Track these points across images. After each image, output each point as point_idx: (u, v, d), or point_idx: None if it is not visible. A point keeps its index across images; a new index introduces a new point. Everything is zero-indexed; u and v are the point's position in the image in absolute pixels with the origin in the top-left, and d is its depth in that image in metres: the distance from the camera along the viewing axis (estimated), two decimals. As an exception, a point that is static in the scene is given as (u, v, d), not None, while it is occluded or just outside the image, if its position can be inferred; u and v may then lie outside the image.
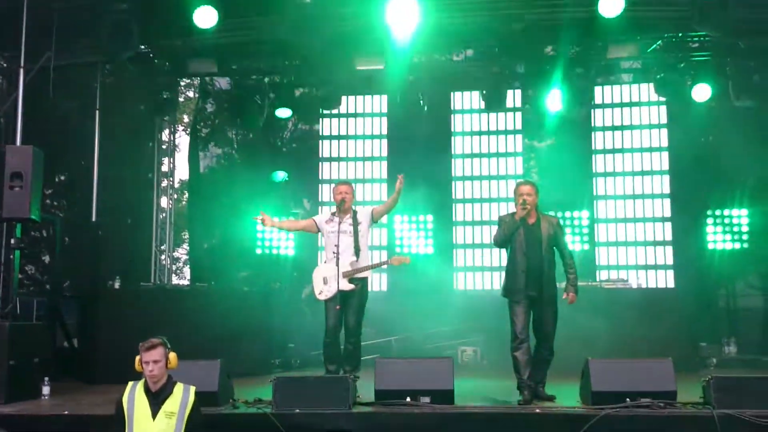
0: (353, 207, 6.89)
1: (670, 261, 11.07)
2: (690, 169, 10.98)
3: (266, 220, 6.97)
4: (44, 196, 12.83)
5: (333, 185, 7.05)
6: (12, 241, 7.38)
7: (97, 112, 10.30)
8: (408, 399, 5.71)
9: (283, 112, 10.92)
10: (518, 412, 5.64)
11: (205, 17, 8.62)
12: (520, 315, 6.17)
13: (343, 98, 11.30)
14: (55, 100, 9.10)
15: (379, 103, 12.13)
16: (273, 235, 11.56)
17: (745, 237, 10.71)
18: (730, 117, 10.66)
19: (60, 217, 11.27)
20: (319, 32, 8.87)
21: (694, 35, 9.94)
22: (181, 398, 4.87)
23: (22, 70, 8.55)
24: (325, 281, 6.70)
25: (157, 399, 4.82)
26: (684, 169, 11.08)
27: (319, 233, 7.02)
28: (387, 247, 11.38)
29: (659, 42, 10.19)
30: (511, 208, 6.60)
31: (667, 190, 11.27)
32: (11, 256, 7.53)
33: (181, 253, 18.88)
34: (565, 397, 6.07)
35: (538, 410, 5.65)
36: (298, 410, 5.56)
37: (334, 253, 6.57)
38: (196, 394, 4.97)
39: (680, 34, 9.97)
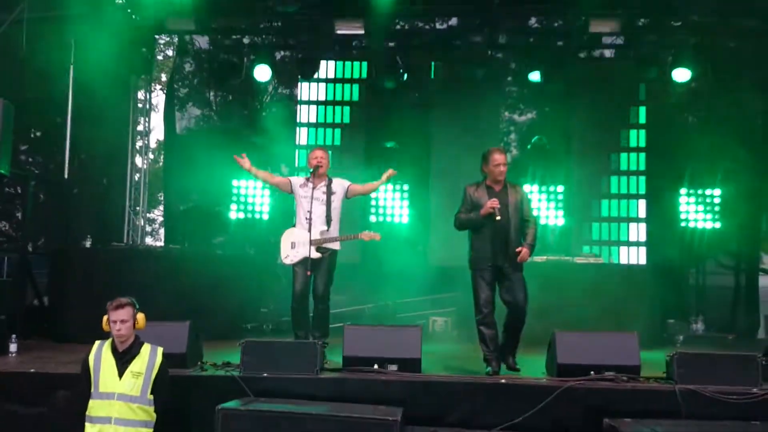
0: (328, 175, 6.84)
1: (642, 238, 11.15)
2: (666, 146, 11.03)
3: (246, 162, 6.89)
4: (19, 152, 12.67)
5: (309, 150, 6.98)
6: (-19, 196, 7.27)
7: (72, 67, 10.11)
8: (375, 366, 5.75)
9: (262, 72, 10.76)
10: (483, 381, 5.68)
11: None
12: (484, 287, 6.12)
13: (322, 63, 11.17)
14: (30, 54, 8.91)
15: (359, 69, 11.98)
16: (249, 200, 11.50)
17: (717, 216, 10.85)
18: (710, 96, 10.73)
19: (34, 173, 11.11)
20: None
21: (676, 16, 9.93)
22: (148, 358, 4.88)
23: (-6, 22, 8.36)
24: (292, 245, 6.68)
25: (123, 359, 4.84)
26: (660, 146, 11.12)
27: (292, 196, 6.92)
28: (361, 216, 11.32)
29: (642, 19, 10.19)
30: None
31: (642, 167, 11.30)
32: (-22, 211, 7.41)
33: (157, 214, 18.76)
34: (531, 368, 6.13)
35: (503, 380, 5.69)
36: (266, 374, 5.57)
37: (306, 218, 6.54)
38: (164, 355, 4.99)
39: (662, 13, 9.95)
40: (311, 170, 6.73)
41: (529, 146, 12.07)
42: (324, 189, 6.70)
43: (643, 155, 11.26)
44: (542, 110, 12.50)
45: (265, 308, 10.11)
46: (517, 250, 6.09)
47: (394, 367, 5.76)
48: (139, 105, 12.26)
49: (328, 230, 6.64)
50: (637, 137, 11.34)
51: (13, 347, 6.64)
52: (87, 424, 4.73)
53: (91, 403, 4.75)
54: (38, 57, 9.31)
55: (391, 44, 10.57)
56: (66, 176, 10.16)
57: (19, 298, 8.13)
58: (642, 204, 11.23)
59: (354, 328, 6.16)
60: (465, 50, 10.71)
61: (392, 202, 11.38)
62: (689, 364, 5.52)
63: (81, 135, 10.42)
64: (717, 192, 10.86)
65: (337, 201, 6.75)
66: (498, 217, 6.00)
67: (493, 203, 6.03)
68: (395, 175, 6.83)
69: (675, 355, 5.58)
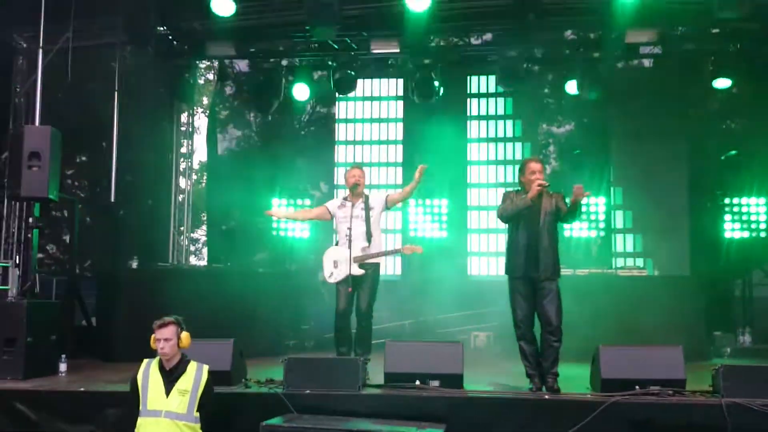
0: (365, 191, 6.91)
1: (686, 249, 10.96)
2: (707, 155, 10.86)
3: (276, 213, 7.00)
4: (65, 177, 13.01)
5: (346, 169, 7.04)
6: (30, 220, 7.48)
7: (116, 93, 10.40)
8: (417, 382, 5.74)
9: (300, 92, 10.94)
10: (526, 397, 5.64)
11: (223, 6, 8.70)
12: (520, 301, 6.03)
13: (359, 81, 11.31)
14: (75, 81, 9.19)
15: (395, 86, 12.11)
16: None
17: (762, 226, 10.63)
18: (752, 104, 10.54)
19: (79, 198, 11.43)
20: (336, 15, 8.87)
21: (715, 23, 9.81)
22: (194, 376, 4.97)
23: (41, 51, 8.64)
24: (335, 264, 6.74)
25: (170, 377, 4.93)
26: (701, 155, 10.95)
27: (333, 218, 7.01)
28: (401, 230, 11.40)
29: (680, 28, 10.08)
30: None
31: (683, 176, 11.13)
32: (29, 235, 7.63)
33: (200, 234, 19.04)
34: (575, 383, 6.07)
35: (546, 396, 5.65)
36: (308, 391, 5.61)
37: (346, 236, 6.61)
38: (209, 372, 5.08)
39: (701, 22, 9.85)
40: (349, 188, 6.82)
41: (569, 158, 12.01)
42: (362, 206, 6.76)
43: (684, 164, 11.10)
44: (581, 121, 12.43)
45: (306, 325, 10.19)
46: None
47: (436, 383, 5.74)
48: (182, 128, 12.52)
49: (369, 246, 6.69)
50: (678, 146, 11.19)
51: (62, 367, 6.78)
52: (135, 441, 4.84)
53: (140, 420, 4.85)
54: (83, 84, 9.59)
55: (427, 61, 10.63)
56: (112, 199, 10.42)
57: (68, 319, 8.35)
58: (684, 214, 11.06)
59: (395, 344, 6.15)
60: (501, 64, 10.72)
61: (431, 216, 11.41)
62: (736, 377, 5.41)
63: (126, 158, 10.68)
64: (762, 201, 10.64)
65: (376, 215, 6.81)
66: (545, 184, 5.94)
67: (540, 182, 5.95)
68: (426, 168, 6.61)
69: (721, 368, 5.48)
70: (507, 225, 6.27)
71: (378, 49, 10.37)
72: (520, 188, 6.27)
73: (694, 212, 11.01)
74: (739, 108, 10.99)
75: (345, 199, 6.88)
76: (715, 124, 11.21)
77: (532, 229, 6.05)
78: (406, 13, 9.07)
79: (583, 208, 10.65)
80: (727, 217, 10.71)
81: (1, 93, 10.06)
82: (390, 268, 11.25)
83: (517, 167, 6.52)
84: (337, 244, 6.93)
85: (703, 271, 10.45)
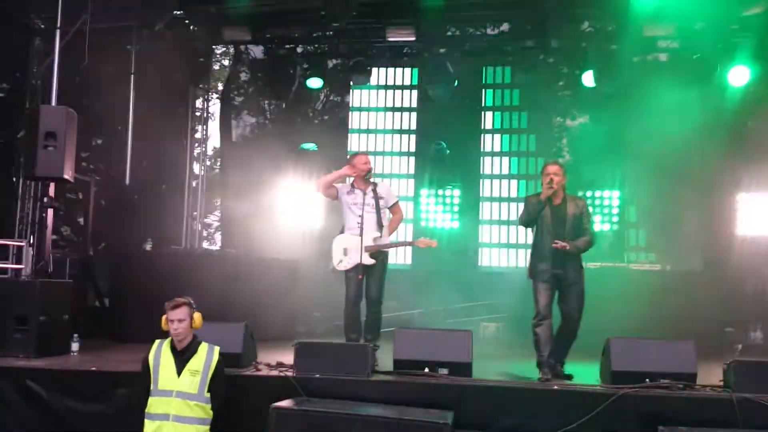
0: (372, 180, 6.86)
1: (698, 244, 10.90)
2: (723, 151, 10.76)
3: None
4: (81, 159, 13.04)
5: (356, 156, 6.90)
6: (45, 199, 7.50)
7: (132, 76, 10.43)
8: (426, 370, 5.76)
9: (314, 83, 10.95)
10: (536, 387, 5.65)
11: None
12: (544, 292, 6.15)
13: (374, 70, 11.28)
14: (92, 64, 9.22)
15: (410, 75, 12.08)
16: (302, 205, 11.65)
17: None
18: (768, 100, 10.44)
19: (95, 179, 11.47)
20: (352, 2, 8.85)
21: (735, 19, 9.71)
22: (205, 357, 5.01)
23: (58, 32, 8.66)
24: (345, 252, 6.70)
25: (182, 357, 4.98)
26: (716, 151, 10.86)
27: (337, 203, 6.97)
28: (413, 220, 11.39)
29: (699, 22, 9.99)
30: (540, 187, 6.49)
31: (698, 171, 11.05)
32: (44, 215, 7.67)
33: (214, 220, 19.11)
34: (585, 375, 6.07)
35: (556, 386, 5.65)
36: (318, 375, 5.64)
37: (358, 224, 6.56)
38: (221, 354, 5.12)
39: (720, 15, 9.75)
40: (363, 176, 6.72)
41: (582, 152, 11.94)
42: (372, 195, 6.71)
43: (698, 159, 11.02)
44: (595, 115, 12.34)
45: (318, 312, 10.22)
46: (558, 244, 6.06)
47: (444, 371, 5.75)
48: (197, 113, 12.54)
49: (380, 236, 6.66)
50: (693, 141, 11.11)
51: (74, 346, 6.84)
52: (146, 421, 4.89)
53: (151, 400, 4.91)
54: (100, 67, 9.62)
55: (442, 50, 10.59)
56: (127, 183, 10.46)
57: (81, 300, 8.41)
58: (698, 209, 10.99)
59: (405, 331, 6.19)
60: (517, 55, 10.67)
61: (442, 207, 11.40)
62: (747, 372, 5.39)
63: (141, 143, 10.72)
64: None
65: (385, 205, 6.78)
66: (553, 187, 6.04)
67: (546, 185, 6.08)
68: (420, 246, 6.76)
69: (732, 363, 5.47)
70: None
71: (393, 37, 10.30)
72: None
73: (708, 207, 10.91)
74: (754, 105, 10.84)
75: (353, 186, 6.82)
76: (730, 119, 11.06)
77: (558, 232, 6.15)
78: (423, 1, 9.04)
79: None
80: (740, 212, 10.60)
81: (19, 74, 10.09)
82: (400, 257, 11.26)
83: (530, 159, 6.54)
84: (342, 231, 6.86)
85: (715, 267, 10.40)
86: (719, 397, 5.31)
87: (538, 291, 6.19)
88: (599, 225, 10.96)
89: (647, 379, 5.51)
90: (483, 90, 12.02)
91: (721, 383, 5.55)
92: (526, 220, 6.33)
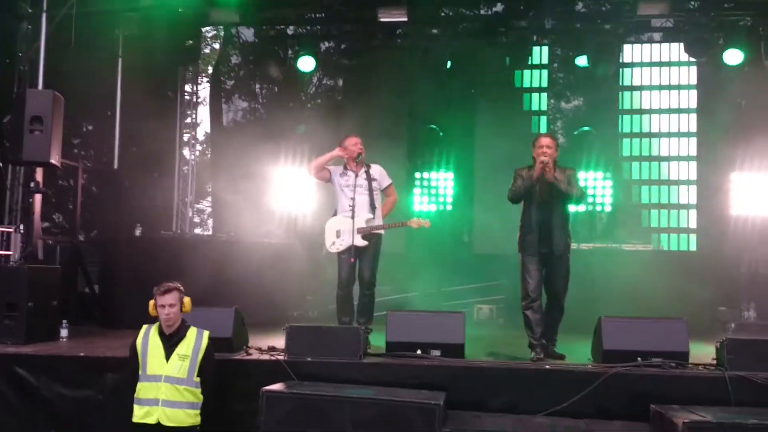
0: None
1: (693, 224, 10.89)
2: (717, 132, 10.72)
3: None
4: (71, 146, 12.97)
5: (347, 137, 6.79)
6: (32, 184, 7.44)
7: (119, 60, 10.32)
8: (418, 351, 5.74)
9: (306, 64, 10.82)
10: (527, 367, 5.63)
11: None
12: (533, 273, 6.12)
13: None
14: (80, 48, 9.11)
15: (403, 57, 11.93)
16: (294, 190, 11.58)
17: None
18: (763, 79, 10.37)
19: (86, 167, 11.39)
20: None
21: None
22: (194, 342, 4.98)
23: (44, 15, 8.54)
24: (338, 234, 6.64)
25: (170, 342, 4.94)
26: (711, 131, 10.82)
27: (329, 185, 6.93)
28: (405, 203, 11.29)
29: (692, 1, 9.93)
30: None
31: (693, 152, 11.03)
32: (31, 200, 7.60)
33: (206, 205, 19.06)
34: (577, 354, 6.07)
35: (547, 366, 5.64)
36: (309, 358, 5.62)
37: (350, 206, 6.50)
38: (210, 338, 5.08)
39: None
40: (354, 158, 6.64)
41: (576, 134, 11.88)
42: (365, 176, 6.65)
43: (694, 140, 10.99)
44: (589, 97, 12.27)
45: (311, 296, 10.19)
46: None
47: (437, 353, 5.74)
48: (186, 98, 12.42)
49: (373, 218, 6.61)
50: (688, 122, 11.07)
51: (64, 332, 6.83)
52: (135, 406, 4.86)
53: (140, 385, 4.87)
54: (87, 51, 9.50)
55: (435, 31, 10.48)
56: (116, 168, 10.38)
57: (70, 286, 8.36)
58: (693, 190, 10.96)
59: (397, 313, 6.16)
60: (510, 36, 10.57)
61: (436, 190, 11.33)
62: (740, 350, 5.37)
63: (130, 128, 10.61)
64: (768, 177, 10.50)
65: (378, 187, 6.73)
66: (547, 161, 5.95)
67: (542, 158, 5.99)
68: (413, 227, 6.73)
69: (726, 341, 5.44)
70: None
71: (385, 17, 10.17)
72: (532, 163, 6.24)
73: (703, 187, 10.88)
74: (749, 85, 10.79)
75: (345, 168, 6.76)
76: (725, 100, 11.01)
77: (544, 205, 6.11)
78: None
79: (588, 190, 10.57)
80: (735, 192, 10.57)
81: (6, 58, 9.98)
82: (394, 241, 11.17)
83: (525, 142, 6.49)
84: (335, 214, 6.80)
85: (709, 247, 10.39)
86: (712, 375, 5.31)
87: (527, 271, 6.15)
88: (592, 206, 10.91)
89: (639, 358, 5.50)
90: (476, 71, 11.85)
91: (714, 362, 5.53)
92: (516, 197, 6.22)
